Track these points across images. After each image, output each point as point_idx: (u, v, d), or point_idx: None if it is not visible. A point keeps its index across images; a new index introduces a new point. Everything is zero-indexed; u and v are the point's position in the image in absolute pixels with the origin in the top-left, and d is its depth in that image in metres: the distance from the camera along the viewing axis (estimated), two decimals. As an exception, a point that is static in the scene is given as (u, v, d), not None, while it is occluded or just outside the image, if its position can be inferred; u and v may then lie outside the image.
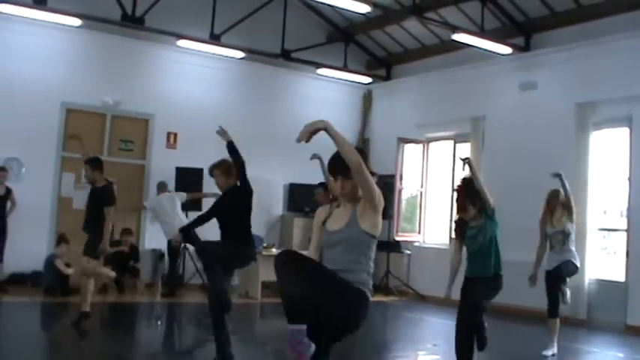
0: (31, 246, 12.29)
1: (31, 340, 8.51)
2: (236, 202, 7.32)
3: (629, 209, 11.51)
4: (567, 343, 9.58)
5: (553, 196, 8.95)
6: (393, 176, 15.31)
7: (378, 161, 16.23)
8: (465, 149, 14.30)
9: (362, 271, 4.18)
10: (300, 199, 15.44)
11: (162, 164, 13.86)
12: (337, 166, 4.18)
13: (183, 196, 13.12)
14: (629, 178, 11.49)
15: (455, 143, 14.81)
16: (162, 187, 13.24)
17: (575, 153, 11.94)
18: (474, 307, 6.59)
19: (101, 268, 9.50)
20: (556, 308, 8.59)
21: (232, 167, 7.40)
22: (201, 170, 13.37)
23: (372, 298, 4.24)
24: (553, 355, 8.57)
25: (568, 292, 8.67)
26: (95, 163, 9.22)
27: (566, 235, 8.68)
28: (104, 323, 10.48)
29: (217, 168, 7.46)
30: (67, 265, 11.86)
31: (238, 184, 7.39)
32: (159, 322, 9.69)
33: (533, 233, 8.95)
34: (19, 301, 11.10)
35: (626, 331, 10.83)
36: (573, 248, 8.78)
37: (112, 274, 10.18)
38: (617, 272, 11.57)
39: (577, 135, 12.02)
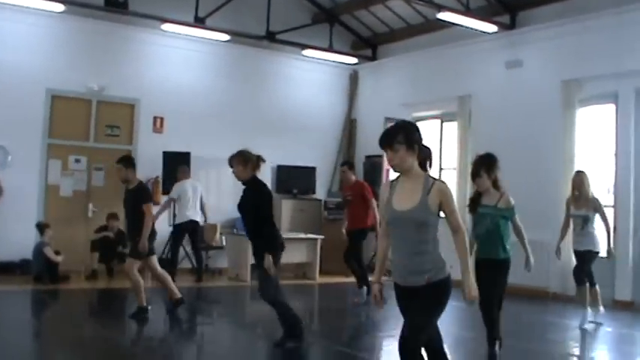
0: (19, 234, 12.25)
1: (21, 328, 8.51)
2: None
3: (615, 185, 11.56)
4: (557, 319, 9.68)
5: (574, 180, 9.43)
6: (380, 156, 15.27)
7: (365, 141, 16.29)
8: (451, 128, 14.33)
9: (432, 251, 4.47)
10: (289, 180, 15.44)
11: (150, 149, 13.80)
12: (383, 140, 4.51)
13: (201, 189, 13.03)
14: (616, 154, 11.53)
15: (442, 122, 14.83)
16: (184, 171, 13.05)
17: (562, 130, 11.97)
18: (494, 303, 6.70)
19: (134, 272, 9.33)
20: (578, 278, 9.26)
21: (250, 157, 7.49)
22: (188, 154, 13.37)
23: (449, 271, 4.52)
24: (592, 322, 9.26)
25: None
26: (128, 163, 9.18)
27: (585, 220, 9.19)
28: (94, 309, 10.50)
29: (235, 158, 7.48)
30: (57, 252, 11.85)
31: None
32: (149, 307, 9.66)
33: (520, 211, 8.97)
34: (9, 290, 11.07)
35: (614, 305, 10.91)
36: (594, 231, 9.27)
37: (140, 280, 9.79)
38: (604, 248, 11.60)
39: (563, 112, 12.04)
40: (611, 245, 9.19)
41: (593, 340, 9.02)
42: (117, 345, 7.96)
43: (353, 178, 11.45)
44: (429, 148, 4.72)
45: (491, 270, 6.52)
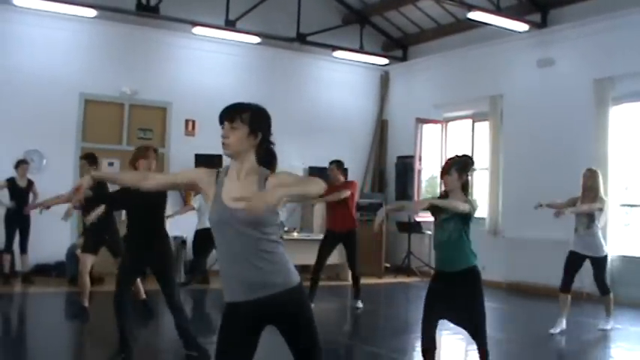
0: (54, 237, 12.36)
1: (58, 329, 8.61)
2: None
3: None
4: (591, 319, 9.58)
5: (586, 177, 8.95)
6: (412, 157, 15.28)
7: (396, 142, 16.29)
8: (483, 128, 14.27)
9: (276, 261, 3.69)
10: (320, 182, 15.43)
11: (182, 152, 13.91)
12: (224, 113, 3.87)
13: None
14: (650, 153, 11.41)
15: (473, 122, 14.78)
16: None
17: (595, 129, 11.87)
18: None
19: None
20: (568, 284, 8.77)
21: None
22: (220, 157, 13.40)
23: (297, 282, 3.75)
24: (561, 332, 8.71)
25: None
26: (92, 160, 9.29)
27: (591, 219, 8.72)
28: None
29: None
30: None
31: None
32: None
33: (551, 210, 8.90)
34: (45, 292, 11.21)
35: (649, 306, 10.83)
36: (598, 232, 8.82)
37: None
38: (639, 248, 11.51)
39: (596, 111, 11.93)
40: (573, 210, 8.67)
41: (630, 342, 8.92)
42: (150, 345, 8.02)
43: (342, 178, 10.78)
44: (274, 154, 3.94)
45: (462, 283, 5.75)
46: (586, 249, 8.73)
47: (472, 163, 6.06)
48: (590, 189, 8.78)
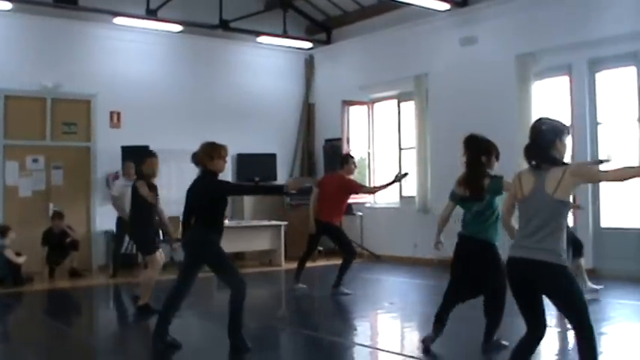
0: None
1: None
2: None
3: (572, 157, 11.69)
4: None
5: None
6: (339, 139, 15.35)
7: (323, 125, 16.32)
8: (409, 107, 14.39)
9: None
10: (249, 168, 15.37)
11: (108, 145, 13.66)
12: None
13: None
14: (571, 126, 11.66)
15: (399, 102, 14.87)
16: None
17: (518, 104, 12.07)
18: None
19: None
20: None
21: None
22: (146, 147, 13.26)
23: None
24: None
25: None
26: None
27: None
28: (59, 310, 10.38)
29: None
30: (18, 254, 11.69)
31: None
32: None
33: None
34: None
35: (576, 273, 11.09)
36: None
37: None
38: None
39: (519, 86, 12.15)
40: None
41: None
42: (83, 344, 7.91)
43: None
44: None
45: None
46: None
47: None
48: None
